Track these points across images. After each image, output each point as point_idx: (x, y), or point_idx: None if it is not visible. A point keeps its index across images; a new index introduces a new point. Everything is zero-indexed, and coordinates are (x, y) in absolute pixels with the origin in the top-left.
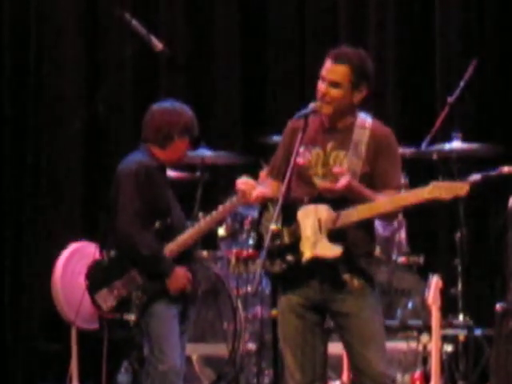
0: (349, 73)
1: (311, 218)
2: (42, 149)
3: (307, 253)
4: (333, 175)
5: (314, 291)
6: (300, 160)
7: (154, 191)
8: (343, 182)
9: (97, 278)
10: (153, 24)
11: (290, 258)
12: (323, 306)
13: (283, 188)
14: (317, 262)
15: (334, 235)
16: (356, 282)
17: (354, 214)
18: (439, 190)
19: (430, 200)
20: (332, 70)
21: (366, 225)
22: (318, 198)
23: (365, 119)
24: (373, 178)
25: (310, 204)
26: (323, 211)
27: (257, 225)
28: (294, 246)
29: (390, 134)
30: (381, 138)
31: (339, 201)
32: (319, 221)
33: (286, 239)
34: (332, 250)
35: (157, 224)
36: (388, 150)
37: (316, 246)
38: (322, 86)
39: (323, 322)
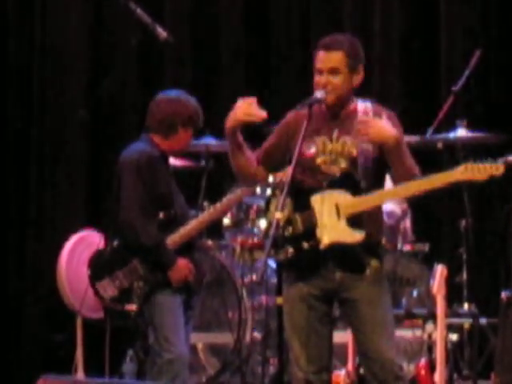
0: (344, 57)
1: (327, 203)
2: (47, 137)
3: (326, 239)
4: (343, 160)
5: (326, 280)
6: (307, 151)
7: (156, 181)
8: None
9: (99, 267)
10: (158, 13)
11: (305, 245)
12: (333, 295)
13: (289, 176)
14: (334, 248)
15: (354, 221)
16: (372, 269)
17: (374, 198)
18: (472, 170)
19: (463, 181)
20: (327, 59)
21: (378, 212)
22: (332, 184)
23: (365, 104)
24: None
25: (326, 190)
26: (340, 196)
27: (265, 213)
28: (310, 233)
29: (393, 114)
30: (391, 119)
31: (356, 186)
32: (337, 206)
33: (300, 226)
34: (353, 235)
35: (160, 215)
36: (397, 129)
37: (335, 231)
38: (321, 78)
39: (331, 311)
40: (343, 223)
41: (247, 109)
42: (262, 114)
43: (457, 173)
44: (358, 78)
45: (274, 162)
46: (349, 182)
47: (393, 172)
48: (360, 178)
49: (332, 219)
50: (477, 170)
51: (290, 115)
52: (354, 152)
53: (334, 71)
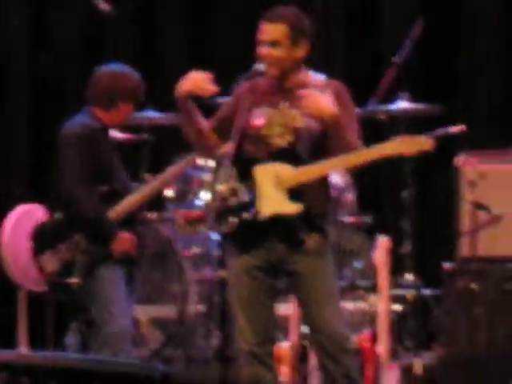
0: (286, 30)
1: (268, 175)
2: None
3: (265, 210)
4: (288, 132)
5: (269, 252)
6: (255, 121)
7: (97, 154)
8: (330, 108)
9: (41, 240)
10: None
11: (246, 215)
12: (278, 267)
13: (232, 147)
14: (275, 219)
15: (294, 193)
16: (313, 242)
17: (314, 170)
18: (404, 144)
19: (394, 155)
20: (269, 30)
21: (323, 183)
22: (276, 156)
23: (316, 76)
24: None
25: (267, 162)
26: (281, 169)
27: (212, 184)
28: (251, 204)
29: (344, 88)
30: (336, 93)
31: (298, 159)
32: (278, 178)
33: (243, 197)
34: (291, 207)
35: (101, 187)
36: (345, 104)
37: (274, 203)
38: (262, 49)
39: (275, 283)
40: (282, 195)
41: (199, 82)
42: (213, 89)
43: (389, 146)
44: (300, 52)
45: (227, 131)
46: (291, 155)
47: (330, 146)
48: (302, 150)
49: (272, 191)
50: (408, 144)
51: (242, 86)
52: (299, 125)
53: (274, 43)
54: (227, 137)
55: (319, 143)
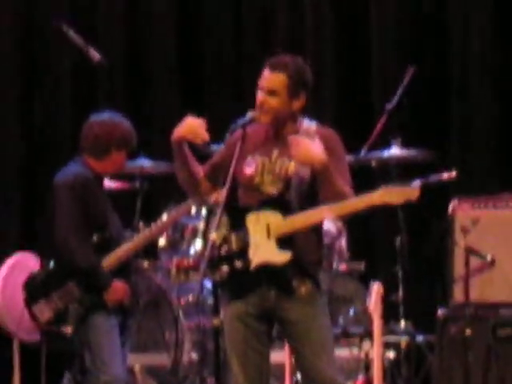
0: (286, 81)
1: (259, 224)
2: None
3: (255, 259)
4: (279, 181)
5: (262, 299)
6: (247, 170)
7: (91, 203)
8: (319, 155)
9: (34, 289)
10: (91, 35)
11: (238, 264)
12: (271, 314)
13: (224, 196)
14: (265, 268)
15: (283, 241)
16: (304, 289)
17: (303, 220)
18: (389, 194)
19: (380, 205)
20: (269, 79)
21: (315, 231)
22: (267, 204)
23: (309, 125)
24: None
25: (260, 210)
26: (272, 217)
27: (204, 233)
28: (243, 253)
29: (335, 136)
30: (327, 140)
31: (288, 207)
32: (268, 226)
33: (234, 245)
34: (280, 256)
35: (95, 237)
36: (336, 151)
37: (264, 252)
38: (259, 96)
39: (270, 331)
40: (272, 243)
41: (193, 128)
42: (205, 137)
43: (375, 196)
44: (297, 104)
45: (219, 178)
46: (282, 203)
47: (320, 194)
48: (293, 199)
49: (262, 239)
50: (394, 193)
51: (236, 134)
52: (290, 173)
53: (272, 92)
54: (219, 183)
55: (310, 192)
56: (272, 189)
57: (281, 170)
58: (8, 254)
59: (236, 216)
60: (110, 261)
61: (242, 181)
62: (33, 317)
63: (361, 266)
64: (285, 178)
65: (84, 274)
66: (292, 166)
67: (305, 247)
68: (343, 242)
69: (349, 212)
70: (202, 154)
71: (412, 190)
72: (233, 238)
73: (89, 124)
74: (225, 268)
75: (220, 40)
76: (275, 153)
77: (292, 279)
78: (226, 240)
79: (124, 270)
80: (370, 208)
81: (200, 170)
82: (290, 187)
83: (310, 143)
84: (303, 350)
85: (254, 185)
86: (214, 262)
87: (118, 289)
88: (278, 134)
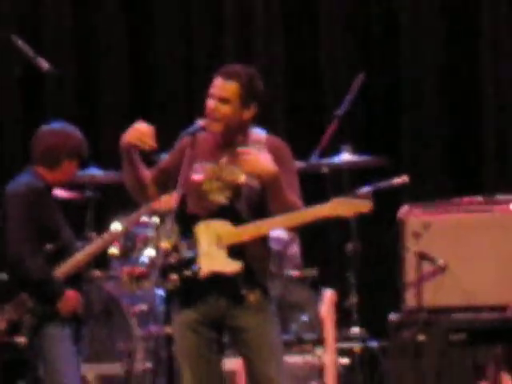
0: (238, 89)
1: (209, 232)
2: None
3: (205, 268)
4: (229, 189)
5: (211, 307)
6: (195, 176)
7: (42, 213)
8: (268, 166)
9: None
10: (39, 45)
11: (187, 272)
12: (220, 322)
13: (174, 203)
14: (215, 277)
15: (233, 250)
16: (254, 297)
17: (253, 229)
18: (340, 206)
19: (331, 217)
20: (221, 87)
21: (263, 240)
22: (216, 213)
23: (259, 134)
24: None
25: (209, 219)
26: (222, 226)
27: (151, 242)
28: (192, 261)
29: (284, 146)
30: (276, 151)
31: (238, 217)
32: (218, 236)
33: (184, 254)
34: (230, 266)
35: (47, 247)
36: (285, 162)
37: (214, 261)
38: (210, 103)
39: (220, 338)
40: (222, 253)
41: (141, 134)
42: (153, 144)
43: (325, 209)
44: (248, 114)
45: (166, 183)
46: (231, 212)
47: (270, 205)
48: (243, 208)
49: (212, 248)
50: (345, 205)
51: (185, 140)
52: (240, 181)
53: (224, 100)
54: (165, 188)
55: (260, 201)
56: (220, 197)
57: (230, 178)
58: None
59: (185, 224)
60: (62, 270)
61: (190, 188)
62: None
63: (313, 272)
64: (234, 187)
65: (37, 284)
66: (241, 175)
67: (254, 256)
68: (296, 249)
69: (299, 223)
70: (149, 160)
71: (363, 203)
72: (182, 246)
73: (39, 134)
74: (174, 276)
75: (170, 51)
76: (224, 161)
77: (241, 288)
78: (176, 248)
79: (76, 279)
80: (320, 219)
81: (148, 175)
82: (240, 196)
83: (259, 154)
84: (252, 358)
85: (202, 192)
86: (164, 271)
87: (71, 298)
88: (228, 142)
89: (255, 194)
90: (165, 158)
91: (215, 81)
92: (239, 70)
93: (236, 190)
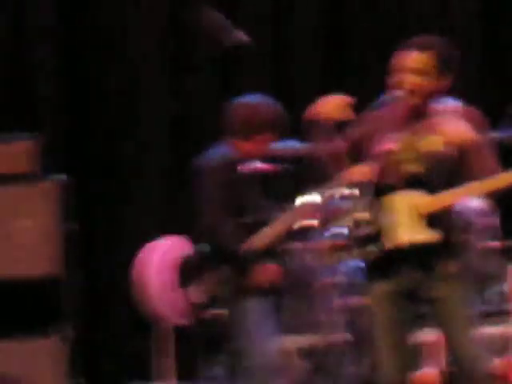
0: (434, 59)
1: (405, 203)
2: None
3: (405, 239)
4: (425, 158)
5: (408, 278)
6: (388, 146)
7: (237, 186)
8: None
9: (187, 273)
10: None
11: (386, 245)
12: (417, 294)
13: (370, 176)
14: (412, 247)
15: (430, 220)
16: (450, 268)
17: (449, 198)
18: None
19: None
20: (417, 59)
21: (450, 211)
22: (410, 182)
23: (452, 103)
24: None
25: (405, 189)
26: (418, 196)
27: (349, 214)
28: (389, 234)
29: (479, 116)
30: (471, 119)
31: (433, 186)
32: (415, 206)
33: (382, 226)
34: (430, 235)
35: (243, 219)
36: (480, 129)
37: (412, 231)
38: (407, 77)
39: (416, 309)
40: (419, 223)
41: (337, 105)
42: (351, 114)
43: None
44: (444, 83)
45: (358, 154)
46: (426, 182)
47: (470, 172)
48: (438, 177)
49: (410, 219)
50: None
51: (376, 111)
52: (437, 150)
53: (421, 72)
54: (357, 159)
55: (453, 169)
56: (414, 167)
57: (423, 148)
58: (152, 239)
59: (379, 196)
60: (260, 242)
61: (383, 158)
62: (187, 300)
63: None
64: (429, 156)
65: (234, 256)
66: (437, 144)
67: (450, 226)
68: (495, 220)
69: (496, 188)
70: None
71: None
72: (380, 218)
73: (234, 107)
74: (372, 248)
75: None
76: (419, 130)
77: (438, 258)
78: (373, 220)
79: (275, 251)
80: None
81: (342, 146)
82: (435, 165)
83: (459, 123)
84: (450, 327)
85: (396, 162)
86: (363, 243)
87: (270, 270)
88: (422, 112)
89: (451, 163)
90: (353, 128)
91: (408, 54)
92: (433, 40)
93: (431, 159)
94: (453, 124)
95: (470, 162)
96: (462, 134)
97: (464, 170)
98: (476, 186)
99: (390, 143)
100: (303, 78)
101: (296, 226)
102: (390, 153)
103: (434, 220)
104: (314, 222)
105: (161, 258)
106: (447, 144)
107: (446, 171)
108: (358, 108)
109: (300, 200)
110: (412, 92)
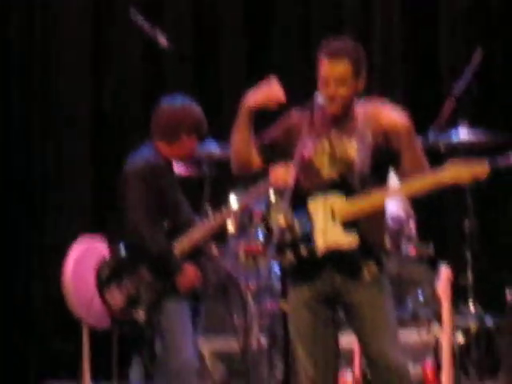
0: (350, 66)
1: (322, 208)
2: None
3: (321, 244)
4: (341, 163)
5: (326, 283)
6: (306, 152)
7: (161, 189)
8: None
9: (106, 275)
10: (161, 22)
11: (303, 250)
12: (335, 299)
13: (291, 181)
14: (330, 252)
15: (348, 224)
16: (370, 271)
17: (367, 201)
18: (458, 171)
19: (449, 184)
20: (333, 69)
21: (379, 215)
22: (328, 187)
23: (365, 106)
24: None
25: (322, 194)
26: (335, 200)
27: (265, 219)
28: (307, 239)
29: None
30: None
31: (351, 190)
32: (333, 210)
33: (298, 232)
34: (347, 239)
35: (166, 222)
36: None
37: (330, 236)
38: (328, 90)
39: (334, 315)
40: (338, 227)
41: (270, 92)
42: (282, 99)
43: (443, 174)
44: (361, 84)
45: (271, 155)
46: (345, 186)
47: (403, 163)
48: (356, 181)
49: (327, 223)
50: (463, 170)
51: (295, 114)
52: (352, 156)
53: (340, 82)
54: (271, 159)
55: (374, 174)
56: (332, 172)
57: (341, 153)
58: (80, 237)
59: (297, 201)
60: (181, 246)
61: (301, 164)
62: (105, 302)
63: (429, 249)
64: (346, 161)
65: (156, 259)
66: (352, 149)
67: (369, 230)
68: (412, 226)
69: (416, 191)
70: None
71: (480, 167)
72: (296, 223)
73: (159, 109)
74: (290, 255)
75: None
76: (335, 135)
77: (357, 262)
78: (291, 225)
79: (195, 255)
80: (437, 187)
81: (254, 141)
82: (352, 170)
83: (390, 109)
84: (366, 332)
85: (314, 168)
86: (280, 247)
87: (190, 273)
88: (339, 117)
89: (368, 167)
90: (269, 130)
91: (324, 63)
92: (344, 46)
93: (348, 164)
94: (385, 111)
95: (404, 152)
96: (395, 119)
97: (395, 162)
98: (391, 190)
99: (307, 149)
100: (228, 79)
101: (216, 229)
102: (307, 159)
103: (351, 224)
104: (231, 227)
105: (76, 260)
106: (359, 148)
107: (362, 176)
108: (282, 109)
109: (228, 203)
110: (332, 100)
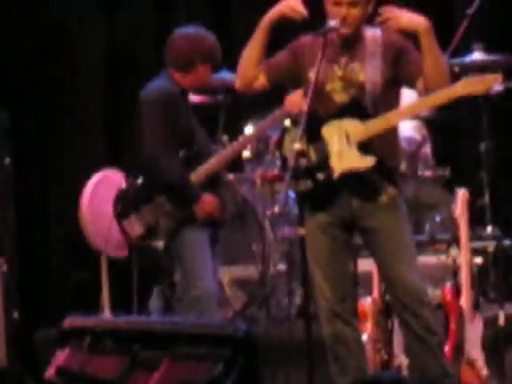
0: None
1: (337, 132)
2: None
3: (337, 167)
4: (352, 87)
5: (343, 208)
6: (318, 77)
7: (177, 117)
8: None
9: (124, 205)
10: None
11: (320, 176)
12: (352, 223)
13: (305, 107)
14: (347, 176)
15: (363, 147)
16: (386, 195)
17: (381, 122)
18: (471, 84)
19: (464, 96)
20: None
21: (392, 138)
22: (341, 112)
23: (374, 31)
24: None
25: (336, 118)
26: (349, 124)
27: (280, 146)
28: (323, 164)
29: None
30: (395, 41)
31: (364, 113)
32: (347, 133)
33: (314, 157)
34: (364, 161)
35: (182, 151)
36: (408, 47)
37: (346, 159)
38: (340, 10)
39: (351, 239)
40: (354, 150)
41: (293, 4)
42: (305, 13)
43: (457, 88)
44: (371, 7)
45: (277, 76)
46: (357, 109)
47: (424, 65)
48: (368, 103)
49: (343, 147)
50: (475, 83)
51: (305, 39)
52: (362, 78)
53: (352, 3)
54: (276, 81)
55: (385, 95)
56: (344, 96)
57: (352, 76)
58: (95, 171)
59: (310, 128)
60: (198, 175)
61: (311, 90)
62: (123, 232)
63: (446, 172)
64: (357, 84)
65: (174, 187)
66: (363, 72)
67: (385, 153)
68: (428, 149)
69: (432, 104)
70: None
71: (493, 77)
72: (311, 150)
73: (173, 38)
74: (306, 180)
75: None
76: (344, 59)
77: (374, 185)
78: (303, 153)
79: (212, 183)
80: (453, 100)
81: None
82: (364, 93)
83: (407, 12)
84: (385, 256)
85: (325, 93)
86: (296, 173)
87: (208, 202)
88: (347, 41)
89: (379, 88)
90: (279, 53)
91: None
92: None
93: (359, 87)
94: (402, 13)
95: (424, 52)
96: (415, 19)
97: (408, 81)
98: (405, 110)
99: (319, 74)
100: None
101: (233, 157)
102: (320, 83)
103: (367, 146)
104: (248, 153)
105: (92, 191)
106: (376, 70)
107: (374, 98)
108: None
109: (244, 131)
110: (347, 24)
